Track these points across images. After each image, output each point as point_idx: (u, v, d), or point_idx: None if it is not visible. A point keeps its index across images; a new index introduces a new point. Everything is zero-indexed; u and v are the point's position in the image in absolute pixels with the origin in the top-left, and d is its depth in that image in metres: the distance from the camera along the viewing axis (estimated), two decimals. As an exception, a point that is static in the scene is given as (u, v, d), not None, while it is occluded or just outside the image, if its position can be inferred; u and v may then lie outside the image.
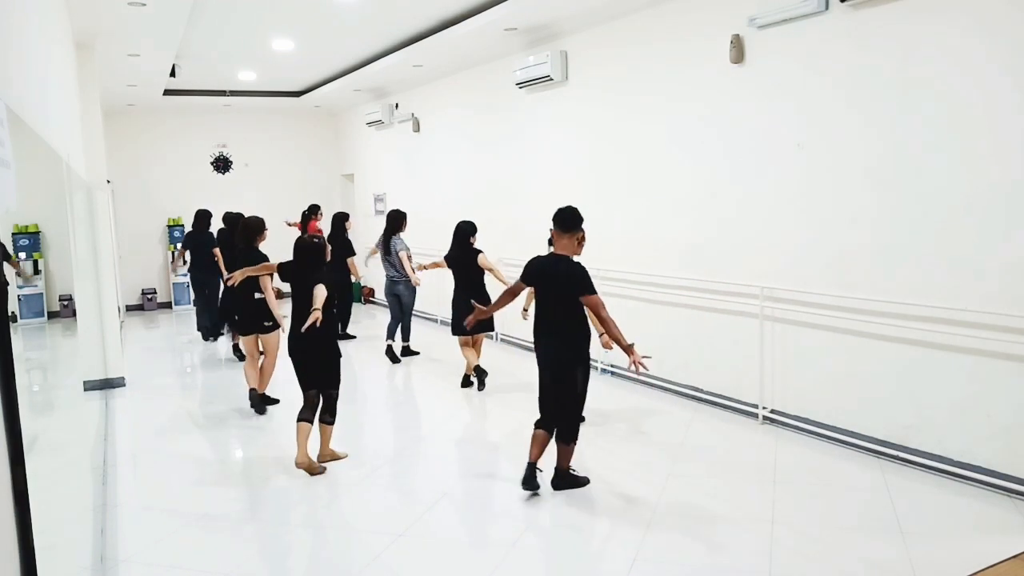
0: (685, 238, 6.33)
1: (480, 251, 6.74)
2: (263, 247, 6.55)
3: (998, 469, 4.28)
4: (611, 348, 5.19)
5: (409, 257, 7.86)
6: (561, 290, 4.39)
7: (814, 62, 5.14)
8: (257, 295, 6.25)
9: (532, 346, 4.64)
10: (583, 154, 7.53)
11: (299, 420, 4.96)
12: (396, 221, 7.95)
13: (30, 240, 5.09)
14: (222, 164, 13.48)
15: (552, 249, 4.58)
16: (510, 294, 4.67)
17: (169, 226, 12.88)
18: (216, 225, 9.42)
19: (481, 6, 7.23)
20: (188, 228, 10.41)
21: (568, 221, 4.42)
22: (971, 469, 4.39)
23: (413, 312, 8.37)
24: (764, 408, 5.67)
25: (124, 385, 7.47)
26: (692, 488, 4.55)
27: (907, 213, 4.64)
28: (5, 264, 2.28)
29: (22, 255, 4.91)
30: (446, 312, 7.36)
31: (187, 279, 11.13)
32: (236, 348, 8.44)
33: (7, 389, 1.78)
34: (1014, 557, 3.56)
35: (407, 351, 8.29)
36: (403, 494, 4.75)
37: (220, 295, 8.90)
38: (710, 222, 6.07)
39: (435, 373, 7.61)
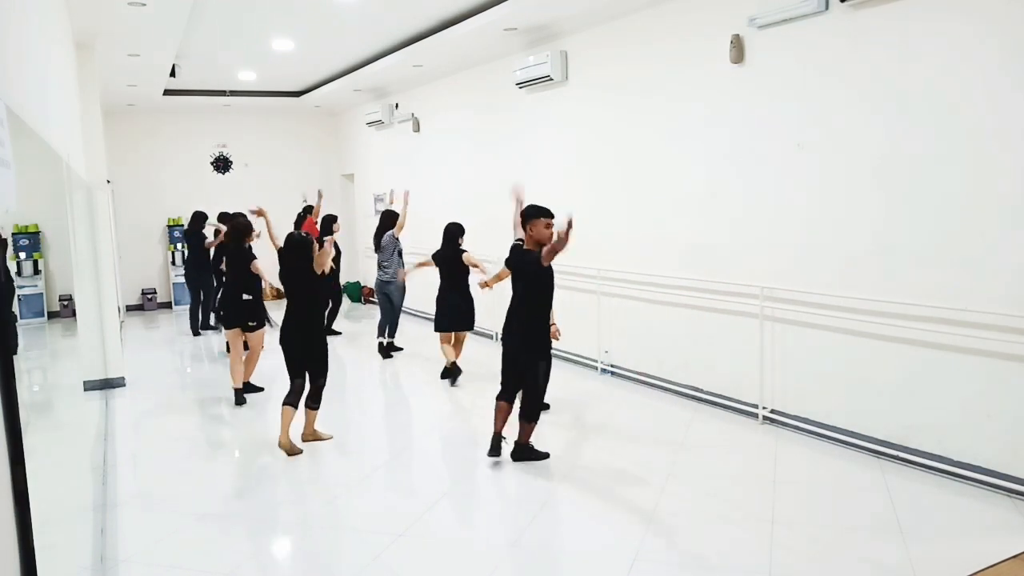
0: (685, 238, 6.33)
1: (465, 250, 7.13)
2: (254, 246, 6.91)
3: (998, 469, 4.28)
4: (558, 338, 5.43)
5: (399, 253, 8.35)
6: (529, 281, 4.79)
7: (814, 62, 5.14)
8: (245, 296, 6.58)
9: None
10: (583, 154, 7.53)
11: (284, 404, 5.36)
12: (389, 220, 8.44)
13: (30, 240, 5.10)
14: (222, 164, 13.48)
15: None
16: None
17: (169, 226, 12.89)
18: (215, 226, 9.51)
19: (481, 6, 7.23)
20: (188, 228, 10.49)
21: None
22: (971, 469, 4.39)
23: (402, 311, 8.75)
24: (764, 408, 5.67)
25: (124, 385, 7.48)
26: (692, 488, 4.55)
27: (907, 213, 4.64)
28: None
29: (22, 255, 4.92)
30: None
31: (182, 278, 11.37)
32: None
33: (7, 389, 1.78)
34: (1014, 557, 3.56)
35: (392, 347, 8.65)
36: (403, 494, 4.75)
37: (218, 294, 9.02)
38: (710, 222, 6.07)
39: (434, 372, 7.60)
